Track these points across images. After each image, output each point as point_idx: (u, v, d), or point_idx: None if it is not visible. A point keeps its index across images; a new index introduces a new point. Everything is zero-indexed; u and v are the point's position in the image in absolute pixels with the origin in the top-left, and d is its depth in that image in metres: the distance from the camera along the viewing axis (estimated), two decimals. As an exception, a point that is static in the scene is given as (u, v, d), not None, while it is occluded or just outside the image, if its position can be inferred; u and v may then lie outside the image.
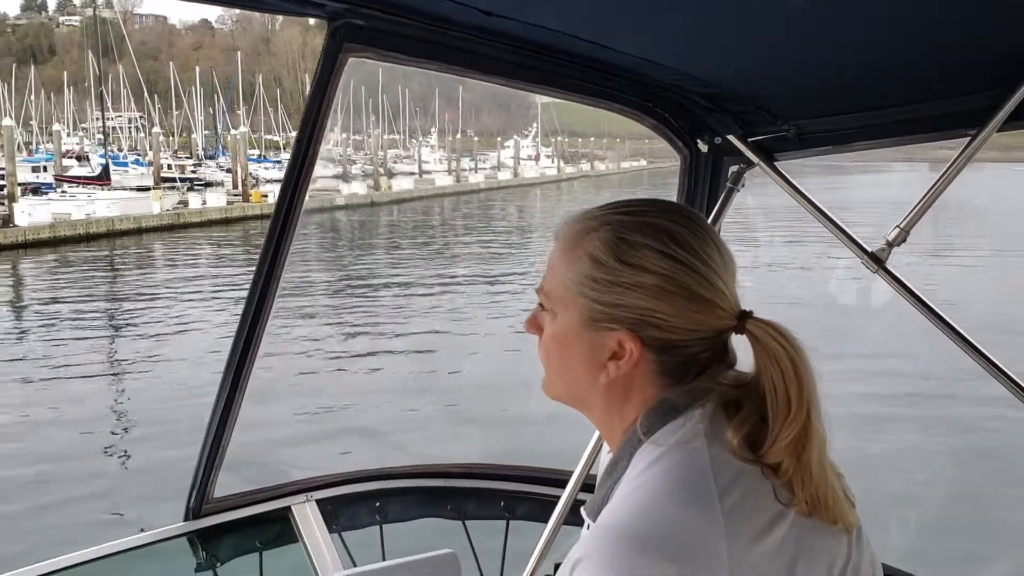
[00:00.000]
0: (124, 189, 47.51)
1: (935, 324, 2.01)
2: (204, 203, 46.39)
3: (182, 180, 54.67)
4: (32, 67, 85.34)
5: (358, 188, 59.53)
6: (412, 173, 72.27)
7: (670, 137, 2.23)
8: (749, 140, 2.15)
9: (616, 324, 1.14)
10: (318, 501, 2.59)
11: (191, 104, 79.32)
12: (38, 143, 73.79)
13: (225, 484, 2.46)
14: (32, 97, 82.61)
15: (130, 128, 78.66)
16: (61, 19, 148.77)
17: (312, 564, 2.47)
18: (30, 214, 37.03)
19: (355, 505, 2.69)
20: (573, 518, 2.36)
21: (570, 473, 2.38)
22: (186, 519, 2.43)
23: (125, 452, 12.39)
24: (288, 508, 2.56)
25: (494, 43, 1.84)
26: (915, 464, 11.09)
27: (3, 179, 41.11)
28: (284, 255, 2.06)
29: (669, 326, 1.13)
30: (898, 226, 1.95)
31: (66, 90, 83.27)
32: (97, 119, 68.51)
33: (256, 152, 67.13)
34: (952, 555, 8.33)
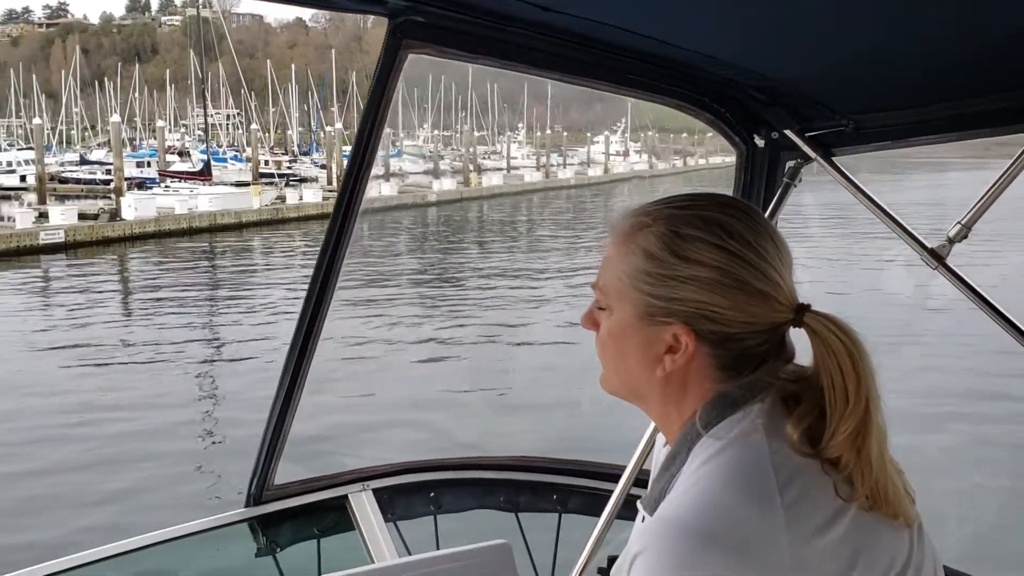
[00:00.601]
0: (224, 184, 48.74)
1: (997, 322, 1.97)
2: (301, 199, 47.24)
3: (279, 176, 55.88)
4: (136, 66, 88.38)
5: (448, 184, 59.81)
6: (500, 169, 72.31)
7: (727, 132, 2.21)
8: (806, 135, 2.12)
9: (671, 318, 1.14)
10: (374, 490, 2.63)
11: (286, 101, 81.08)
12: (141, 139, 76.43)
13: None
14: (136, 95, 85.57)
15: (228, 125, 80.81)
16: (163, 19, 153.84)
17: (368, 551, 2.50)
18: (136, 208, 38.30)
19: (410, 495, 2.72)
20: (626, 512, 2.35)
21: (623, 468, 2.37)
22: (247, 505, 2.49)
23: (209, 432, 12.97)
24: (345, 497, 2.61)
25: (551, 39, 1.85)
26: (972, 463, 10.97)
27: (110, 174, 42.63)
28: (344, 248, 2.10)
29: (724, 319, 1.12)
30: (959, 222, 1.93)
31: (168, 87, 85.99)
32: (198, 116, 70.60)
33: (348, 148, 68.08)
34: (1012, 556, 8.19)
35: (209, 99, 65.71)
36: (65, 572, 2.21)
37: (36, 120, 54.04)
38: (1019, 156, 1.85)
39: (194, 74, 70.66)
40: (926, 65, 1.75)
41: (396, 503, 2.68)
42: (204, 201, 41.63)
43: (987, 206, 1.93)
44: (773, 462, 1.07)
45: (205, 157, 54.02)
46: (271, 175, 54.72)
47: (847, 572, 1.05)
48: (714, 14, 1.60)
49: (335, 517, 2.61)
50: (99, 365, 17.37)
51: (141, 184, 48.21)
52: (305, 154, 75.43)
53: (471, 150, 69.26)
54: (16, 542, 8.80)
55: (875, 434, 1.09)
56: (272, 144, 77.33)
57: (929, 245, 2.00)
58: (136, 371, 16.84)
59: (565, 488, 2.83)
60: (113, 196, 39.69)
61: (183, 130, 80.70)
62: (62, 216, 35.29)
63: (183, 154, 65.07)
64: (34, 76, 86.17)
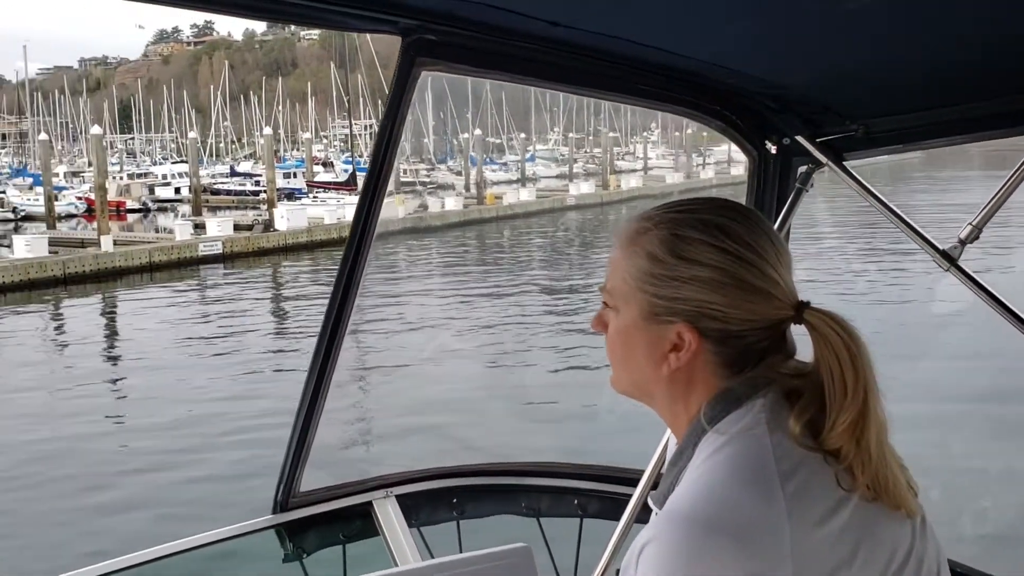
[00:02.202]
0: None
1: (1011, 322, 1.98)
2: (443, 207, 47.10)
3: (420, 184, 56.16)
4: (279, 79, 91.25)
5: (586, 187, 58.66)
6: (636, 170, 70.76)
7: (739, 139, 2.22)
8: (817, 140, 2.13)
9: (675, 317, 1.17)
10: (398, 497, 2.68)
11: (422, 111, 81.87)
12: (284, 151, 78.68)
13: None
14: (279, 108, 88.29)
15: (366, 135, 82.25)
16: (302, 34, 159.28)
17: (392, 556, 2.55)
18: (288, 219, 38.83)
19: (433, 501, 2.76)
20: (645, 515, 2.30)
21: (642, 472, 2.37)
22: (274, 512, 2.54)
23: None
24: (370, 503, 2.65)
25: (561, 52, 1.88)
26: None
27: (258, 185, 43.52)
28: (364, 258, 2.16)
29: (726, 317, 1.16)
30: (971, 223, 1.95)
31: (309, 100, 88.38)
32: (342, 127, 72.05)
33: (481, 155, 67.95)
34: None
35: (347, 110, 66.87)
36: None
37: (192, 134, 56.21)
38: None
39: (335, 85, 72.12)
40: (935, 69, 1.76)
41: (419, 509, 2.73)
42: (351, 211, 41.80)
43: (998, 207, 1.93)
44: (775, 454, 1.10)
45: (349, 167, 54.80)
46: (413, 184, 54.99)
47: (849, 561, 1.07)
48: (723, 24, 1.62)
49: (360, 523, 2.66)
50: (277, 371, 17.78)
51: (290, 195, 49.19)
52: (441, 161, 75.87)
53: (609, 152, 67.82)
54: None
55: (874, 425, 1.12)
56: (408, 153, 78.11)
57: (941, 247, 2.00)
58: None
59: (586, 493, 2.84)
60: (264, 207, 40.43)
61: (325, 141, 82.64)
62: (218, 228, 36.12)
63: (326, 165, 66.43)
64: (184, 92, 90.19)
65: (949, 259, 1.99)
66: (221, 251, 33.78)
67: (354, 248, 2.13)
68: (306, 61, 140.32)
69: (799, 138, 2.14)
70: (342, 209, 42.41)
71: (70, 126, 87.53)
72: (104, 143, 40.86)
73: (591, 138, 78.87)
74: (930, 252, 2.03)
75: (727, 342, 1.17)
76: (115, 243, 32.69)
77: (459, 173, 66.10)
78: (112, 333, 23.99)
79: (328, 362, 2.29)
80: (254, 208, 45.52)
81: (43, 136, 50.80)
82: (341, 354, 2.30)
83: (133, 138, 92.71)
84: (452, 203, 47.37)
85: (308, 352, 2.28)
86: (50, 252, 31.36)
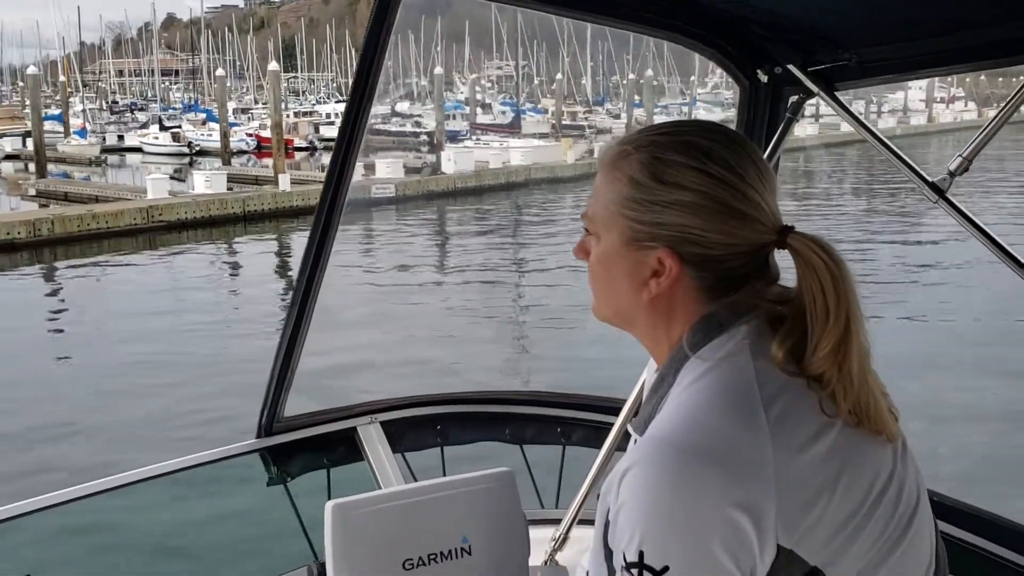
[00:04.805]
0: (532, 136, 48.05)
1: (997, 255, 1.95)
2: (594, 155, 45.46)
3: (574, 127, 54.67)
4: (438, 19, 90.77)
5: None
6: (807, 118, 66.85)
7: (730, 67, 2.20)
8: (809, 70, 2.09)
9: (656, 242, 1.16)
10: (382, 423, 2.72)
11: (582, 51, 79.78)
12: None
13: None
14: (437, 49, 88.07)
15: (518, 77, 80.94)
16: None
17: (377, 480, 2.58)
18: (455, 162, 37.95)
19: (417, 427, 2.80)
20: (626, 443, 2.24)
21: (624, 401, 2.37)
22: (258, 436, 2.60)
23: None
24: (354, 429, 2.70)
25: None
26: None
27: (417, 126, 42.91)
28: (345, 188, 2.24)
29: (707, 241, 1.14)
30: (960, 155, 1.92)
31: (466, 39, 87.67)
32: (498, 68, 71.11)
33: (636, 97, 65.52)
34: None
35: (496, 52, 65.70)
36: (79, 500, 2.34)
37: (356, 72, 56.26)
38: (1021, 88, 1.83)
39: (495, 25, 71.07)
40: None
41: (404, 435, 2.75)
42: (516, 155, 40.85)
43: (988, 139, 1.91)
44: (759, 381, 1.09)
45: (508, 109, 53.79)
46: (581, 127, 53.59)
47: (832, 486, 1.07)
48: None
49: (344, 448, 2.69)
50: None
51: (452, 137, 48.66)
52: (599, 104, 73.94)
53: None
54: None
55: (856, 350, 1.11)
56: (564, 95, 76.52)
57: (930, 179, 1.96)
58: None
59: (569, 421, 2.86)
60: (424, 149, 39.75)
61: (483, 83, 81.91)
62: (388, 170, 35.68)
63: (484, 106, 65.69)
64: (346, 31, 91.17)
65: (938, 191, 1.94)
66: (394, 194, 33.40)
67: (335, 176, 2.22)
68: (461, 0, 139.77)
69: (791, 67, 2.10)
70: (506, 152, 41.43)
71: (237, 64, 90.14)
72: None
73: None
74: (919, 184, 1.99)
75: (708, 267, 1.15)
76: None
77: (617, 116, 63.94)
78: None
79: (311, 290, 2.37)
80: (413, 150, 45.15)
81: (220, 72, 51.97)
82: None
83: (296, 77, 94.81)
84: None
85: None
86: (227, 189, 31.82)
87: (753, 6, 1.95)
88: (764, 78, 2.19)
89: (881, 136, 2.10)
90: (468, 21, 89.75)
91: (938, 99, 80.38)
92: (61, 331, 17.60)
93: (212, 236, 27.44)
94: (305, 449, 2.65)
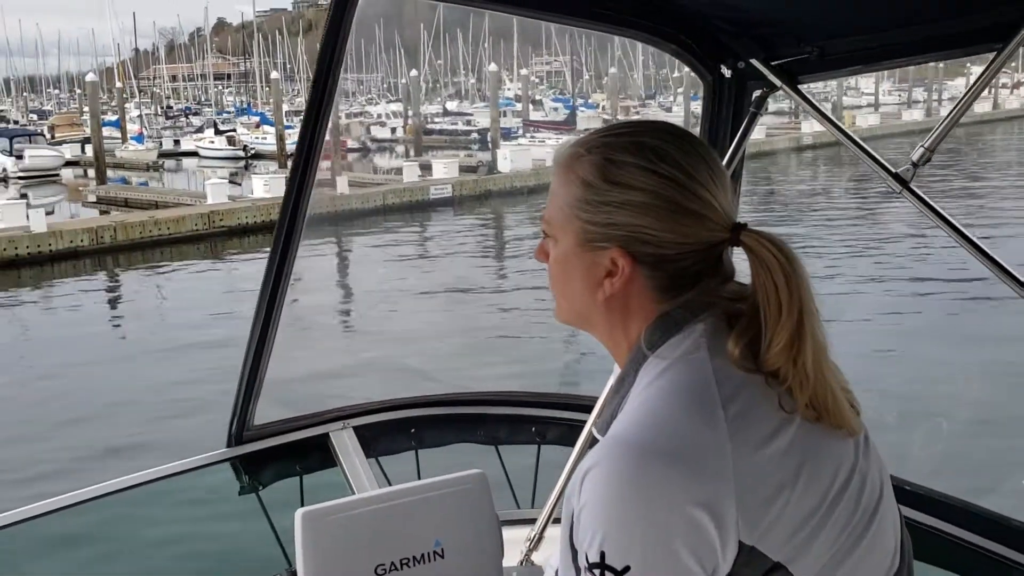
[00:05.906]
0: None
1: (960, 243, 1.97)
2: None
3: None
4: (486, 17, 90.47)
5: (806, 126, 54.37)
6: (859, 107, 65.33)
7: (694, 64, 2.21)
8: (772, 64, 2.10)
9: (608, 242, 1.17)
10: (355, 428, 2.70)
11: (632, 46, 78.78)
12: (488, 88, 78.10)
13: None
14: (484, 46, 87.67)
15: (571, 72, 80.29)
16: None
17: (350, 486, 2.56)
18: (512, 160, 37.03)
19: (391, 431, 2.78)
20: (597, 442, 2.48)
21: (596, 399, 2.36)
22: (228, 446, 2.58)
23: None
24: (326, 435, 2.68)
25: None
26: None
27: (469, 124, 42.28)
28: (309, 188, 2.26)
29: (659, 241, 1.15)
30: (923, 146, 1.93)
31: (514, 35, 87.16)
32: (546, 64, 70.50)
33: (692, 91, 64.49)
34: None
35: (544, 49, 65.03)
36: (45, 515, 2.31)
37: (413, 72, 56.22)
38: (980, 76, 1.85)
39: (544, 23, 70.24)
40: None
41: (377, 439, 2.73)
42: (573, 152, 40.07)
43: (949, 129, 1.92)
44: (716, 378, 1.10)
45: (561, 105, 53.13)
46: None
47: (792, 481, 1.07)
48: None
49: (317, 455, 2.68)
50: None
51: (506, 134, 48.12)
52: (650, 98, 72.94)
53: (840, 86, 62.59)
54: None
55: (810, 345, 1.11)
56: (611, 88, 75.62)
57: (894, 169, 1.98)
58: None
59: (544, 420, 2.86)
60: (475, 148, 39.16)
61: (532, 80, 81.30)
62: (444, 170, 35.17)
63: (535, 103, 65.15)
64: (395, 31, 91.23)
65: (902, 182, 1.95)
66: (451, 194, 32.94)
67: (298, 178, 2.23)
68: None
69: (754, 61, 2.10)
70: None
71: (288, 66, 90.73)
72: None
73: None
74: (883, 175, 2.00)
75: (662, 266, 1.16)
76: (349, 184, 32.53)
77: (668, 110, 62.97)
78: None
79: (277, 294, 2.37)
80: (465, 149, 44.71)
81: (275, 75, 52.15)
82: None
83: (346, 78, 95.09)
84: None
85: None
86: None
87: (715, 2, 1.99)
88: (728, 73, 2.20)
89: (845, 129, 2.13)
90: (516, 17, 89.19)
91: (1003, 85, 78.04)
92: (133, 338, 17.56)
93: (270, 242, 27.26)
94: (277, 457, 2.65)
